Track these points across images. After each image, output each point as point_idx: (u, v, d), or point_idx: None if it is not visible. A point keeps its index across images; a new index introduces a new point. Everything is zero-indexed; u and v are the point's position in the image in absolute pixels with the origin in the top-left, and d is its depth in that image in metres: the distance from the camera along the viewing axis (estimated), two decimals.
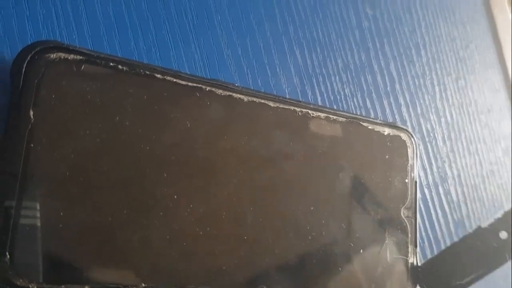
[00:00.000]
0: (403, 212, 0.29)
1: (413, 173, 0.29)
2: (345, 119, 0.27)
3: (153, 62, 0.26)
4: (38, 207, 0.20)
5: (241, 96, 0.25)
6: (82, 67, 0.21)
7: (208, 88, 0.24)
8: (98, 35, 0.25)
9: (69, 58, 0.21)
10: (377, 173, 0.28)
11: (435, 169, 0.35)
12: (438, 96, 0.36)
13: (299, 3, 0.31)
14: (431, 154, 0.35)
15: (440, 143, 0.36)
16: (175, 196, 0.22)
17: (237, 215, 0.24)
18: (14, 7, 0.23)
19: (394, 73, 0.34)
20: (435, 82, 0.36)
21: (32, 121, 0.20)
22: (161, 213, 0.22)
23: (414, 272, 0.28)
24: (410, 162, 0.29)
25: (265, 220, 0.24)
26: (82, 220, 0.20)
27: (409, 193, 0.29)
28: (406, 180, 0.29)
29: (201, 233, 0.23)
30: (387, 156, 0.29)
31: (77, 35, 0.24)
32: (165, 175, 0.22)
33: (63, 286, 0.19)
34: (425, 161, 0.35)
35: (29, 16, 0.24)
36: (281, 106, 0.26)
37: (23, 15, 0.23)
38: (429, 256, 0.33)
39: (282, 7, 0.31)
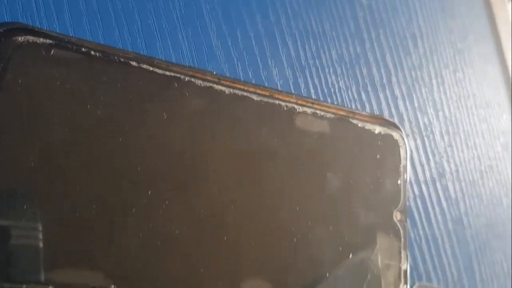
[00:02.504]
0: (396, 215, 0.27)
1: (406, 174, 0.28)
2: (333, 115, 0.26)
3: (138, 52, 0.25)
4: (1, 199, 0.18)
5: (222, 88, 0.23)
6: (52, 52, 0.20)
7: (187, 79, 0.23)
8: (80, 25, 0.24)
9: (38, 41, 0.20)
10: (367, 173, 0.27)
11: (432, 164, 0.34)
12: (435, 89, 0.35)
13: None
14: (428, 149, 0.34)
15: (437, 137, 0.35)
16: (149, 192, 0.21)
17: (216, 215, 0.23)
18: None
19: (390, 65, 0.33)
20: (432, 75, 0.35)
21: None
22: (133, 210, 0.21)
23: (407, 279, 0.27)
24: (402, 162, 0.28)
25: (247, 220, 0.23)
26: (47, 216, 0.19)
27: (402, 195, 0.28)
28: (399, 182, 0.28)
29: (177, 232, 0.21)
30: (378, 156, 0.27)
31: (58, 24, 0.23)
32: (138, 169, 0.21)
33: (25, 286, 0.18)
34: (422, 156, 0.34)
35: (6, 5, 0.22)
36: (265, 100, 0.24)
37: (1, 4, 0.22)
38: (426, 255, 0.32)
39: None
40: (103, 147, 0.21)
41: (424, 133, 0.34)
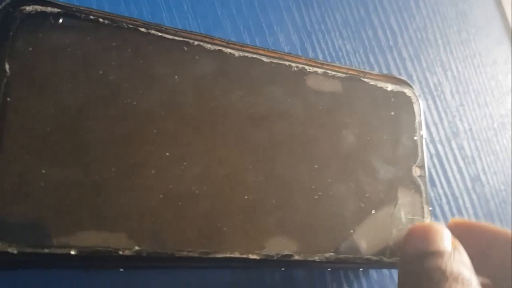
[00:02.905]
0: (415, 171, 0.27)
1: (422, 130, 0.28)
2: (344, 74, 0.26)
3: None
4: (18, 165, 0.18)
5: (232, 51, 0.23)
6: (61, 20, 0.20)
7: (196, 43, 0.22)
8: None
9: (46, 11, 0.20)
10: (383, 130, 0.27)
11: (446, 123, 0.34)
12: (441, 49, 0.35)
13: None
14: (440, 109, 0.34)
15: (448, 97, 0.34)
16: (167, 154, 0.21)
17: (236, 174, 0.22)
18: None
19: (395, 27, 0.33)
20: (438, 35, 0.35)
21: (8, 74, 0.19)
22: (153, 171, 0.20)
23: None
24: (417, 118, 0.28)
25: (267, 179, 0.23)
26: (67, 180, 0.19)
27: (419, 150, 0.27)
28: (415, 138, 0.28)
29: (197, 192, 0.21)
30: (392, 113, 0.27)
31: None
32: (155, 131, 0.21)
33: (46, 250, 0.18)
34: (435, 115, 0.33)
35: None
36: (275, 61, 0.24)
37: None
38: (447, 213, 0.32)
39: None
40: (118, 111, 0.20)
41: (435, 93, 0.34)
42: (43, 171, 0.19)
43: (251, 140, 0.23)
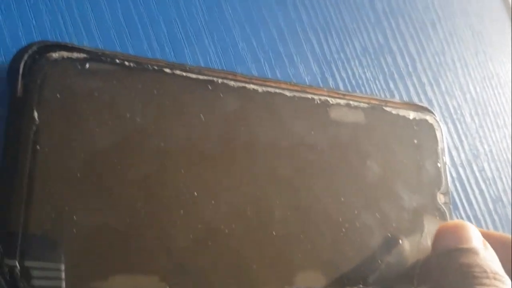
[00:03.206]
0: (440, 198, 0.27)
1: (445, 156, 0.28)
2: (366, 105, 0.26)
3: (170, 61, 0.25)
4: (49, 209, 0.18)
5: (255, 87, 0.23)
6: (87, 65, 0.20)
7: (220, 81, 0.23)
8: (109, 39, 0.24)
9: (72, 56, 0.20)
10: (407, 158, 0.27)
11: (466, 146, 0.34)
12: (460, 72, 0.35)
13: None
14: (460, 132, 0.34)
15: (468, 119, 0.34)
16: (195, 193, 0.21)
17: (263, 210, 0.22)
18: (19, 18, 0.22)
19: (414, 52, 0.33)
20: (455, 58, 0.35)
21: (37, 122, 0.19)
22: (182, 212, 0.21)
23: None
24: (440, 145, 0.28)
25: (294, 214, 0.23)
26: (97, 225, 0.19)
27: (443, 177, 0.27)
28: (439, 164, 0.28)
29: (226, 231, 0.21)
30: (415, 141, 0.27)
31: (88, 40, 0.23)
32: (182, 171, 0.21)
33: None
34: (456, 139, 0.33)
35: (35, 26, 0.22)
36: (298, 95, 0.24)
37: (29, 25, 0.22)
38: None
39: None
40: (146, 153, 0.21)
41: (454, 116, 0.34)
42: (75, 218, 0.19)
43: (278, 175, 0.23)
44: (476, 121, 0.35)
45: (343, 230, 0.24)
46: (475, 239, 0.23)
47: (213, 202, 0.21)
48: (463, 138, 0.34)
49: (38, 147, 0.19)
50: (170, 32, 0.25)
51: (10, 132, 0.19)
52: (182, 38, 0.26)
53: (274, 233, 0.22)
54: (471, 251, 0.22)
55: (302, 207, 0.23)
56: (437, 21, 0.35)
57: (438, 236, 0.23)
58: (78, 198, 0.19)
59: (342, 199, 0.24)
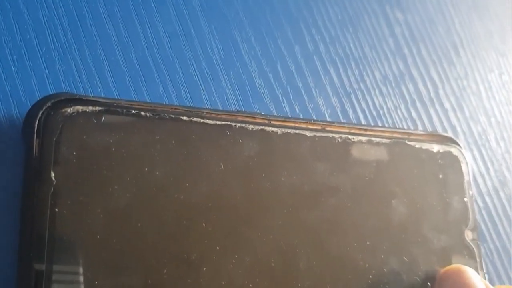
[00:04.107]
0: (467, 235, 0.26)
1: (471, 190, 0.27)
2: (388, 140, 0.25)
3: (184, 103, 0.24)
4: (70, 276, 0.18)
5: (274, 129, 0.23)
6: (103, 118, 0.20)
7: (238, 125, 0.22)
8: (124, 84, 0.23)
9: (87, 110, 0.19)
10: (432, 195, 0.26)
11: (492, 173, 0.33)
12: (484, 95, 0.34)
13: (326, 19, 0.30)
14: (486, 158, 0.33)
15: (493, 144, 0.33)
16: (218, 248, 0.20)
17: (287, 261, 0.22)
18: (31, 68, 0.22)
19: (436, 78, 0.32)
20: (479, 81, 0.34)
21: (54, 183, 0.18)
22: (205, 268, 0.20)
23: None
24: (465, 178, 0.27)
25: (319, 263, 0.22)
26: (119, 285, 0.19)
27: (470, 212, 0.26)
28: (465, 199, 0.27)
29: (251, 286, 0.21)
30: (440, 176, 0.26)
31: (102, 87, 0.23)
32: (204, 225, 0.20)
33: None
34: (482, 166, 0.32)
35: (48, 75, 0.22)
36: (318, 135, 0.24)
37: (42, 75, 0.22)
38: (500, 270, 0.31)
39: (309, 26, 0.29)
40: (166, 208, 0.20)
41: (479, 142, 0.33)
42: (96, 282, 0.18)
43: (301, 222, 0.22)
44: (502, 146, 0.34)
45: (370, 276, 0.23)
46: (477, 280, 0.22)
47: (236, 256, 0.21)
48: (489, 164, 0.33)
49: (56, 209, 0.18)
50: (186, 73, 0.25)
51: (27, 194, 0.18)
52: (198, 78, 0.25)
53: (299, 285, 0.22)
54: None
55: (328, 255, 0.23)
56: (460, 44, 0.34)
57: (441, 280, 0.23)
58: (99, 261, 0.19)
59: (368, 243, 0.23)
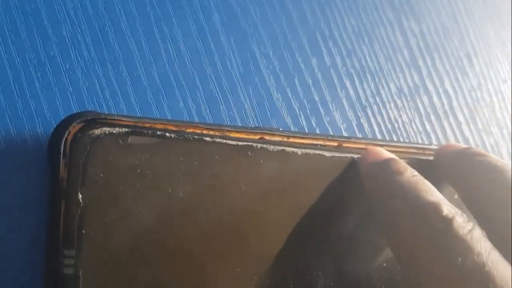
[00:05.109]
0: None
1: None
2: (408, 155, 0.25)
3: (203, 119, 0.25)
4: None
5: (294, 150, 0.23)
6: (129, 140, 0.20)
7: (259, 146, 0.22)
8: (145, 100, 0.24)
9: (114, 131, 0.19)
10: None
11: None
12: (497, 106, 0.34)
13: (343, 32, 0.30)
14: None
15: (505, 157, 0.34)
16: (238, 270, 0.21)
17: (312, 281, 0.22)
18: (56, 85, 0.22)
19: (450, 90, 0.32)
20: (492, 92, 0.34)
21: (81, 205, 0.19)
22: None
23: None
24: None
25: (340, 284, 0.23)
26: None
27: None
28: None
29: None
30: None
31: (124, 104, 0.23)
32: (226, 247, 0.21)
33: None
34: None
35: (72, 92, 0.22)
36: (337, 155, 0.24)
37: (66, 92, 0.22)
38: None
39: (326, 39, 0.29)
40: (191, 229, 0.20)
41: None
42: None
43: (328, 243, 0.23)
44: None
45: None
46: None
47: (255, 278, 0.21)
48: None
49: (83, 231, 0.18)
50: (206, 88, 0.25)
51: (54, 216, 0.19)
52: (218, 94, 0.25)
53: None
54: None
55: (349, 276, 0.23)
56: (473, 53, 0.34)
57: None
58: (127, 282, 0.19)
59: (384, 265, 0.24)
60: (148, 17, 0.25)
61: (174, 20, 0.25)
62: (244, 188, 0.22)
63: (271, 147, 0.22)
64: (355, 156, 0.24)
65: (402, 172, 0.22)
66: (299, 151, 0.23)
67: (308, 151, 0.23)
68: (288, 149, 0.23)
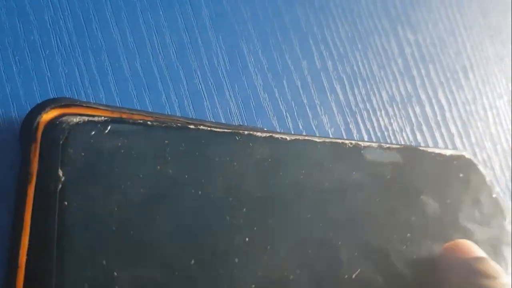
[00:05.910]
0: (509, 227, 0.26)
1: (497, 188, 0.27)
2: (399, 146, 0.25)
3: (186, 114, 0.24)
4: (87, 269, 0.17)
5: (283, 136, 0.22)
6: (109, 127, 0.19)
7: (246, 132, 0.21)
8: (126, 91, 0.23)
9: (94, 120, 0.19)
10: (460, 192, 0.26)
11: None
12: (491, 121, 0.34)
13: (336, 36, 0.29)
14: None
15: (498, 172, 0.33)
16: (247, 239, 0.20)
17: (328, 251, 0.21)
18: (33, 69, 0.22)
19: (443, 101, 0.32)
20: (487, 107, 0.34)
21: (62, 180, 0.18)
22: (236, 260, 0.19)
23: None
24: (487, 177, 0.27)
25: (359, 255, 0.22)
26: (142, 280, 0.18)
27: (504, 206, 0.27)
28: (494, 195, 0.27)
29: (291, 277, 0.20)
30: (461, 175, 0.26)
31: (104, 93, 0.23)
32: (227, 218, 0.20)
33: None
34: None
35: (50, 78, 0.22)
36: (328, 141, 0.23)
37: (44, 78, 0.22)
38: None
39: (318, 42, 0.29)
40: (185, 203, 0.19)
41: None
42: (115, 274, 0.18)
43: (332, 215, 0.22)
44: (507, 174, 0.33)
45: (413, 267, 0.23)
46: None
47: (268, 247, 0.20)
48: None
49: (66, 203, 0.18)
50: (190, 83, 0.24)
51: (38, 190, 0.18)
52: (202, 89, 0.25)
53: (346, 276, 0.21)
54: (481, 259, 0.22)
55: (367, 248, 0.22)
56: (469, 67, 0.34)
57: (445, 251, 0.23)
58: (118, 253, 0.18)
59: (408, 234, 0.23)
60: (134, 7, 0.24)
61: (161, 12, 0.25)
62: (237, 166, 0.21)
63: (258, 134, 0.22)
64: (347, 141, 0.23)
65: (493, 276, 0.21)
66: (288, 137, 0.22)
67: (297, 137, 0.23)
68: (276, 135, 0.22)
